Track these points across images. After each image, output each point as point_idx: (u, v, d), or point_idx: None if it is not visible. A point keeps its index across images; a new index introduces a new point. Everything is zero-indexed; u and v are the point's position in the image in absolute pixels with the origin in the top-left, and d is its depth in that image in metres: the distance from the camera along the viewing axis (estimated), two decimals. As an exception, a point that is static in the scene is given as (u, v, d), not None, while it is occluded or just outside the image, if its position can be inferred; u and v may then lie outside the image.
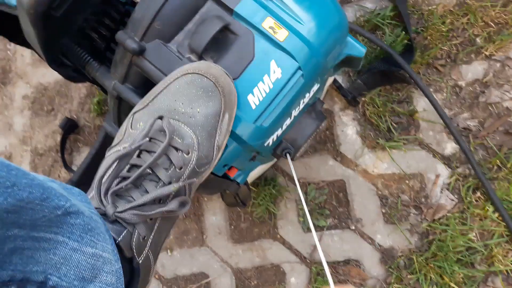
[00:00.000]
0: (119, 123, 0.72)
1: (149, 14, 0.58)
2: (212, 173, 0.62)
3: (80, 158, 1.19)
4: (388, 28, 0.99)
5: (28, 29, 0.57)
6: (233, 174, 0.68)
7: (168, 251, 1.06)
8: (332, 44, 0.62)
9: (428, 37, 0.98)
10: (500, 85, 0.95)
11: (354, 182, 0.99)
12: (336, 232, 0.97)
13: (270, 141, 0.64)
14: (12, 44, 1.33)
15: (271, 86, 0.58)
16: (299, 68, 0.58)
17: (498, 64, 0.96)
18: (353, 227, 0.97)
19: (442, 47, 0.98)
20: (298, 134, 0.72)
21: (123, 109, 0.69)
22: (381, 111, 0.99)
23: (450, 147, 0.95)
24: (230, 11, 0.58)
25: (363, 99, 1.01)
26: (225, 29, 0.58)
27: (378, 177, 0.98)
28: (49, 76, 1.26)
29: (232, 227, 1.04)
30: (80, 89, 1.23)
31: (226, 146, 0.59)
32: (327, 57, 0.62)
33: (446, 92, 0.97)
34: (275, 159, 0.83)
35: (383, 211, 0.96)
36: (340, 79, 1.04)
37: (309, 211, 0.99)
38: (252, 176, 0.82)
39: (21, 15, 0.56)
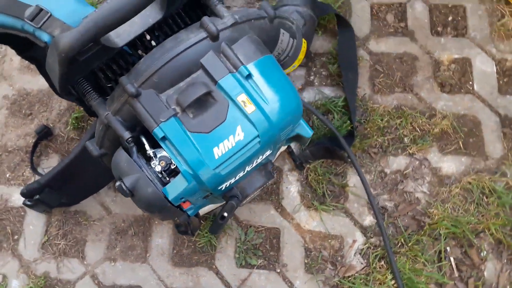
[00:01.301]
0: (101, 146, 0.85)
1: (151, 69, 0.74)
2: (168, 201, 0.76)
3: (48, 163, 1.28)
4: (337, 114, 1.21)
5: (54, 66, 0.71)
6: (186, 206, 0.83)
7: (112, 261, 1.16)
8: (287, 123, 0.80)
9: (368, 129, 1.21)
10: (416, 179, 1.17)
11: (288, 232, 1.16)
12: (263, 272, 1.12)
13: (223, 186, 0.80)
14: (4, 47, 1.44)
15: (234, 144, 0.75)
16: (257, 136, 0.76)
17: (417, 162, 1.19)
18: (279, 270, 1.12)
19: (377, 139, 1.20)
20: (247, 185, 0.88)
21: (108, 135, 0.82)
22: (320, 179, 1.18)
23: (368, 220, 1.15)
24: (215, 82, 0.75)
25: (308, 166, 1.20)
26: (208, 94, 0.75)
27: (308, 232, 1.15)
28: (34, 84, 1.37)
29: (175, 251, 1.16)
30: (61, 102, 1.35)
31: (188, 183, 0.74)
32: (281, 132, 0.80)
33: (374, 175, 1.18)
34: (224, 201, 0.98)
35: (306, 261, 1.13)
36: (293, 145, 1.23)
37: (244, 249, 1.14)
38: (203, 211, 0.97)
39: (51, 54, 0.70)
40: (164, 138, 0.74)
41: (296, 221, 1.17)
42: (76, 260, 1.18)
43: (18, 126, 1.33)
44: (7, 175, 1.28)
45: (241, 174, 0.81)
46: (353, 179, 1.18)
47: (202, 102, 0.75)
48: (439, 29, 1.32)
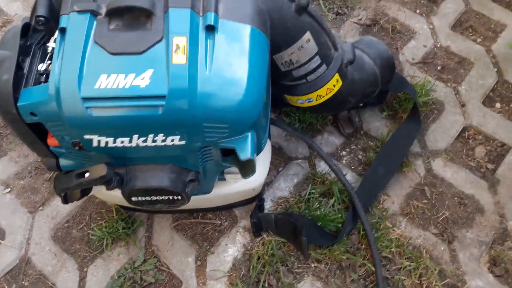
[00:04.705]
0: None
1: None
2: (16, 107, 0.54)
3: None
4: (335, 201, 0.89)
5: None
6: (50, 142, 0.60)
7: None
8: (217, 116, 0.55)
9: (363, 245, 0.86)
10: None
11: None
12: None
13: (93, 138, 0.56)
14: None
15: (128, 86, 0.52)
16: (163, 97, 0.52)
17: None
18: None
19: (368, 265, 0.84)
20: (143, 175, 0.63)
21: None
22: (268, 262, 0.86)
23: None
24: (167, 8, 0.55)
25: (265, 234, 0.89)
26: (146, 15, 0.54)
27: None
28: None
29: (67, 224, 0.93)
30: None
31: (45, 97, 0.52)
32: (204, 122, 0.55)
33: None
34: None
35: None
36: (266, 201, 0.94)
37: (128, 276, 0.86)
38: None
39: None
40: (63, 30, 0.54)
41: (205, 289, 0.85)
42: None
43: None
44: None
45: (126, 142, 0.57)
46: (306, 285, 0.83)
47: (132, 19, 0.54)
48: (534, 197, 0.95)
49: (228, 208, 0.96)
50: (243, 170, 0.64)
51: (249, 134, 0.59)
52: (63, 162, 0.66)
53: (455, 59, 1.12)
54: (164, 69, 0.52)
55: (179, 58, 0.52)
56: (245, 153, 0.58)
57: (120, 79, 0.52)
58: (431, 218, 0.93)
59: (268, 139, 0.88)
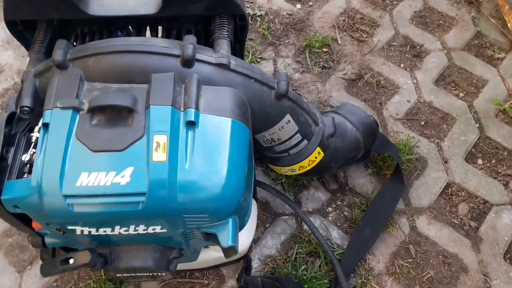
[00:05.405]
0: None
1: (94, 49, 0.60)
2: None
3: None
4: (322, 263, 0.90)
5: None
6: (35, 225, 0.62)
7: None
8: (198, 208, 0.56)
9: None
10: None
11: None
12: None
13: (76, 228, 0.57)
14: None
15: (108, 184, 0.53)
16: (143, 194, 0.53)
17: None
18: None
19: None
20: (126, 255, 0.64)
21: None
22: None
23: None
24: (148, 104, 0.57)
25: (250, 298, 0.90)
26: (128, 111, 0.56)
27: None
28: None
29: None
30: None
31: (27, 192, 0.54)
32: (185, 214, 0.56)
33: None
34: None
35: None
36: (254, 261, 0.95)
37: None
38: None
39: None
40: (46, 125, 0.56)
41: None
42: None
43: None
44: None
45: (108, 231, 0.58)
46: None
47: (114, 115, 0.56)
48: (518, 259, 0.96)
49: (215, 267, 0.97)
50: (225, 253, 0.65)
51: (230, 220, 0.60)
52: (48, 240, 0.67)
53: (438, 114, 1.15)
54: (144, 167, 0.54)
55: (159, 156, 0.54)
56: (225, 241, 0.59)
57: (101, 177, 0.53)
58: (416, 277, 0.94)
59: (254, 200, 0.90)
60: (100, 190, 0.53)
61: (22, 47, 0.76)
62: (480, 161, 1.08)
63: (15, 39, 0.73)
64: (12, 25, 0.70)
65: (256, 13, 1.37)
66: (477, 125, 1.13)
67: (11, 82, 1.24)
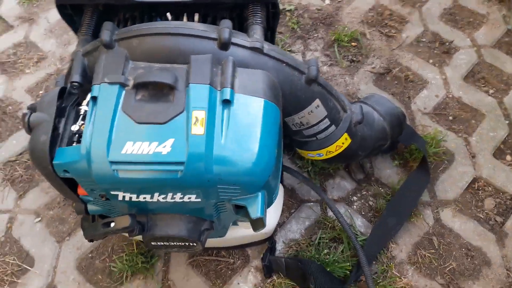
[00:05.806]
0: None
1: (138, 31, 0.65)
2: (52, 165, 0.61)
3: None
4: (345, 248, 0.93)
5: None
6: (80, 191, 0.67)
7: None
8: (231, 180, 0.60)
9: None
10: None
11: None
12: None
13: (119, 194, 0.62)
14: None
15: (151, 153, 0.58)
16: (182, 163, 0.58)
17: None
18: None
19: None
20: (161, 224, 0.69)
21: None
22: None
23: None
24: (188, 83, 0.61)
25: (276, 276, 0.93)
26: (169, 88, 0.61)
27: None
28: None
29: (91, 255, 0.99)
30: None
31: (77, 157, 0.59)
32: (219, 185, 0.60)
33: None
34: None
35: None
36: (278, 242, 0.99)
37: None
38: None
39: None
40: (94, 99, 0.61)
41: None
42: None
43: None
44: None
45: (148, 198, 0.63)
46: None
47: (157, 92, 0.61)
48: (542, 253, 0.96)
49: (241, 247, 1.01)
50: (254, 225, 0.69)
51: (260, 194, 0.64)
52: (91, 207, 0.73)
53: (467, 110, 1.15)
54: (184, 139, 0.58)
55: (198, 129, 0.59)
56: (255, 212, 0.63)
57: (144, 146, 0.58)
58: (438, 268, 0.95)
59: (281, 185, 0.94)
60: (143, 158, 0.58)
61: (64, 35, 0.82)
62: (509, 157, 1.08)
63: (57, 28, 0.79)
64: (62, 9, 0.76)
65: (286, 8, 1.40)
66: (507, 121, 1.13)
67: (54, 68, 1.32)
